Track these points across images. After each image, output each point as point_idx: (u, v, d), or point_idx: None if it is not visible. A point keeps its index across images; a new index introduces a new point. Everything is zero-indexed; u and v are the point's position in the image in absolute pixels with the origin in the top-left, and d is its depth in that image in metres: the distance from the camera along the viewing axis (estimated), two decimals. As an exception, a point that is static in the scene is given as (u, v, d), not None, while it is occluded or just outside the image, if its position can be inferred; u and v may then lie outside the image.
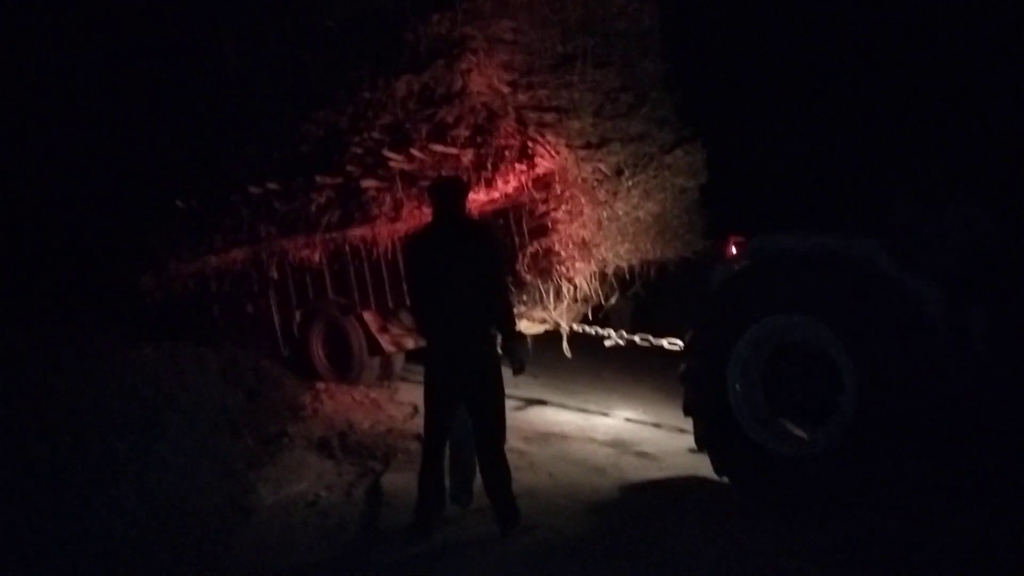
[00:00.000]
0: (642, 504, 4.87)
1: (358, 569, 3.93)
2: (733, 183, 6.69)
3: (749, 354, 4.91)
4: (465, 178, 5.98)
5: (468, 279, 4.17)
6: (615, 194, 6.52)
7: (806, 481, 4.53)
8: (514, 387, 7.42)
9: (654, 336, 6.77)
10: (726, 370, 4.89)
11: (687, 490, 5.13)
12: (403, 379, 7.86)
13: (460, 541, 4.22)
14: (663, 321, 7.01)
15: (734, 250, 5.21)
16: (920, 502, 4.35)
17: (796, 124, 5.73)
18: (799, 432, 4.89)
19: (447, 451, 4.46)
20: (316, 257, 7.45)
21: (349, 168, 7.08)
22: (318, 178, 7.20)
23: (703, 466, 5.16)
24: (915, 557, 4.02)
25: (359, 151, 7.06)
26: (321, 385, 7.45)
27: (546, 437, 6.16)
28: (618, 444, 6.05)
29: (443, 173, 6.31)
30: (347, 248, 7.28)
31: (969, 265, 4.67)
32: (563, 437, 6.19)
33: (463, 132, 6.56)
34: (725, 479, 4.95)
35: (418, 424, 6.02)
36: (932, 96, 4.93)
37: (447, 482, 4.46)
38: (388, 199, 6.89)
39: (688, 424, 5.26)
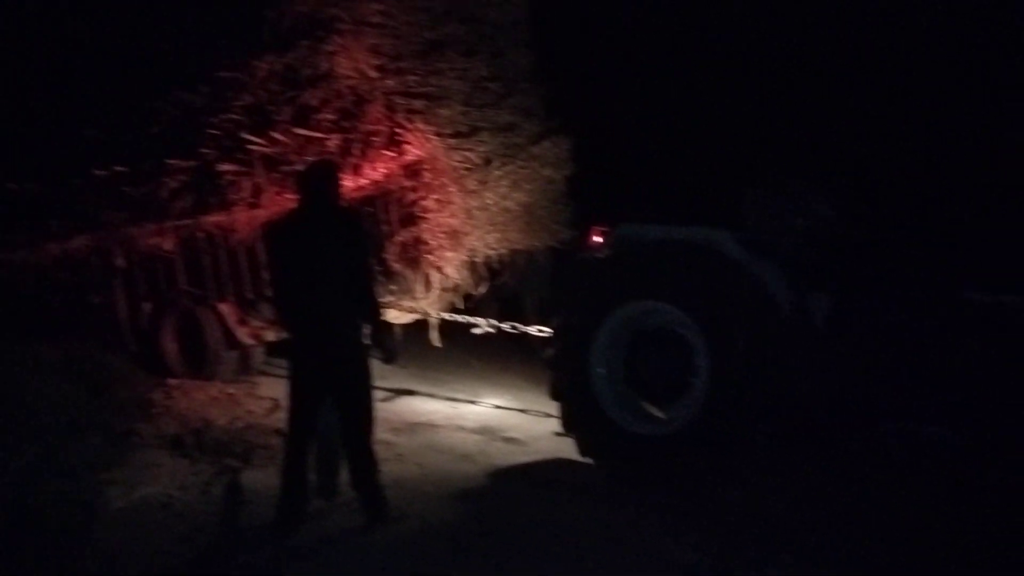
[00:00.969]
0: (510, 488, 4.94)
1: (218, 571, 3.75)
2: (597, 175, 6.88)
3: (611, 339, 5.11)
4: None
5: (334, 268, 4.05)
6: (484, 183, 6.54)
7: (665, 458, 4.76)
8: (382, 378, 7.32)
9: (522, 324, 6.87)
10: (590, 355, 5.08)
11: (554, 473, 5.24)
12: (263, 373, 7.56)
13: (326, 536, 4.11)
14: (532, 310, 7.15)
15: (597, 240, 5.39)
16: (769, 474, 4.65)
17: (654, 120, 5.99)
18: (658, 413, 5.12)
19: (312, 445, 4.33)
20: (168, 245, 7.03)
21: (205, 151, 6.72)
22: (171, 161, 6.80)
23: (569, 449, 5.31)
24: (770, 528, 4.30)
25: (216, 133, 6.71)
26: (173, 381, 7.05)
27: (414, 427, 6.12)
28: (486, 431, 6.10)
29: (308, 158, 6.10)
30: (202, 235, 6.92)
31: (811, 253, 5.04)
32: (431, 426, 6.18)
33: (329, 116, 6.37)
34: (590, 460, 5.12)
35: (279, 419, 5.82)
36: (776, 97, 5.29)
37: (312, 476, 4.34)
38: (247, 184, 6.60)
39: (554, 409, 5.41)
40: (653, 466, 4.81)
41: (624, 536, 4.18)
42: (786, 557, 3.94)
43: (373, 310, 4.23)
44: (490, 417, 6.56)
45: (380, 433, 5.26)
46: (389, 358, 4.36)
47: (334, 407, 4.24)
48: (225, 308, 7.12)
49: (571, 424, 5.23)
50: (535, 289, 7.51)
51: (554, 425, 5.64)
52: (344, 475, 4.35)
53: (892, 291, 4.61)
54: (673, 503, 4.55)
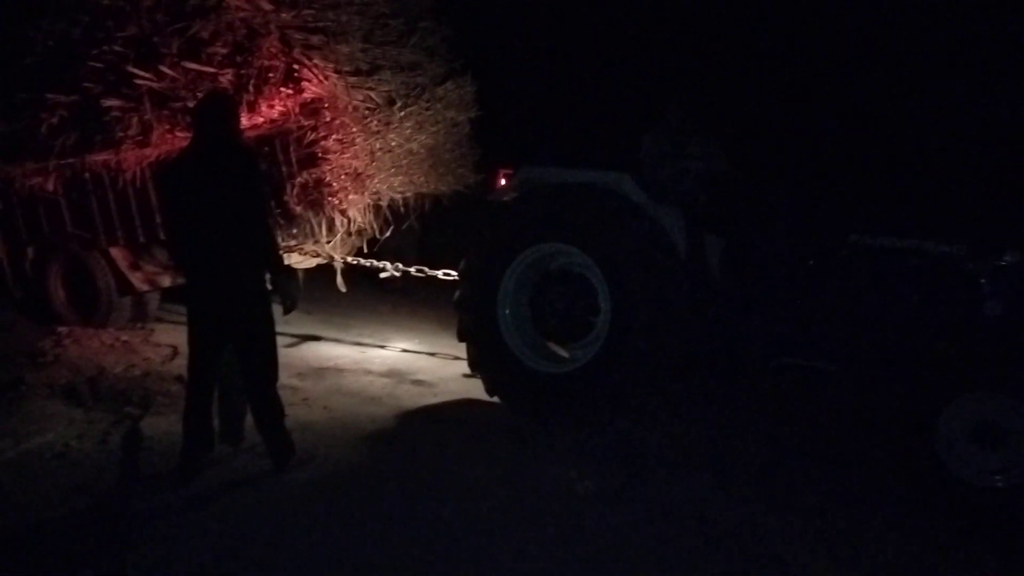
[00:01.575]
0: (418, 429, 5.00)
1: (119, 517, 3.68)
2: (502, 118, 6.86)
3: (517, 281, 5.19)
4: None
5: (230, 210, 3.91)
6: (388, 124, 6.41)
7: (568, 395, 4.92)
8: (287, 323, 7.21)
9: (430, 268, 6.87)
10: (496, 296, 5.15)
11: (461, 413, 5.34)
12: (159, 320, 7.31)
13: (232, 480, 4.08)
14: (439, 253, 7.14)
15: (502, 182, 5.41)
16: (664, 409, 4.90)
17: (559, 63, 6.00)
18: (562, 352, 5.27)
19: (215, 390, 4.26)
20: (50, 185, 6.62)
21: (86, 85, 6.32)
22: (49, 96, 6.36)
23: (476, 390, 5.41)
24: (665, 455, 4.55)
25: (98, 66, 6.31)
26: (63, 329, 6.72)
27: (321, 372, 6.08)
28: (394, 374, 6.13)
29: (199, 94, 5.83)
30: (87, 176, 6.54)
31: (706, 196, 5.23)
32: (338, 371, 6.15)
33: (220, 50, 6.08)
34: (496, 399, 5.24)
35: (178, 366, 5.69)
36: (673, 42, 5.40)
37: (215, 422, 4.27)
38: (135, 121, 6.24)
39: (462, 352, 5.48)
40: (557, 403, 4.97)
41: (529, 470, 4.33)
42: (675, 479, 4.20)
43: (271, 255, 4.13)
44: (398, 361, 6.58)
45: (286, 378, 5.22)
46: (290, 305, 4.28)
47: (235, 352, 4.16)
48: (116, 252, 6.80)
49: (478, 364, 5.31)
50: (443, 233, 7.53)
51: (462, 368, 5.72)
52: (249, 419, 4.30)
53: (780, 234, 4.83)
54: (575, 438, 4.74)
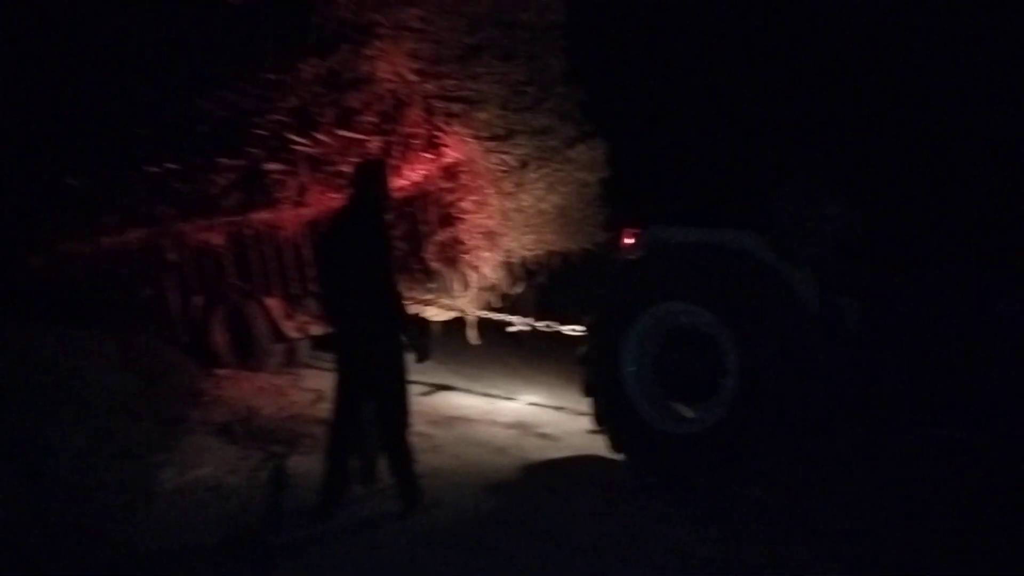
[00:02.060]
0: (542, 481, 5.09)
1: (260, 548, 3.97)
2: (631, 178, 6.99)
3: (642, 339, 5.22)
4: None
5: (371, 267, 4.22)
6: (520, 185, 6.71)
7: (692, 457, 4.86)
8: (421, 373, 7.53)
9: (557, 323, 7.02)
10: (621, 353, 5.20)
11: (585, 467, 5.39)
12: (307, 365, 7.83)
13: (363, 519, 4.32)
14: (566, 310, 7.28)
15: (629, 241, 5.51)
16: (794, 475, 4.74)
17: (687, 122, 6.08)
18: (687, 412, 5.23)
19: (353, 434, 4.53)
20: (217, 240, 7.32)
21: (252, 150, 6.99)
22: (220, 159, 7.08)
23: (601, 446, 5.44)
24: (793, 525, 4.40)
25: (263, 133, 6.97)
26: (222, 371, 7.34)
27: (451, 421, 6.30)
28: (520, 426, 6.26)
29: (350, 159, 6.33)
30: (250, 232, 7.19)
31: (842, 257, 5.10)
32: (467, 420, 6.35)
33: (370, 118, 6.59)
34: (620, 456, 5.25)
35: (323, 409, 6.05)
36: (806, 98, 5.36)
37: (352, 464, 4.54)
38: (292, 183, 6.85)
39: (587, 407, 5.54)
40: (681, 464, 4.92)
41: (649, 532, 4.30)
42: (804, 553, 4.04)
43: (395, 310, 4.33)
44: (524, 413, 6.72)
45: (418, 425, 5.46)
46: (422, 356, 4.51)
47: (372, 400, 4.43)
48: (272, 302, 7.39)
49: (602, 420, 5.36)
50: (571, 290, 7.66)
51: (587, 423, 5.77)
52: (383, 463, 4.54)
53: (922, 297, 4.64)
54: (699, 500, 4.67)
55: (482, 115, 6.54)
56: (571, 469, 5.35)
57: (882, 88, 5.10)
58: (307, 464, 5.02)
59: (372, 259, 4.24)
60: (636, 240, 5.44)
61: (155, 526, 4.23)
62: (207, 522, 4.29)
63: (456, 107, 6.49)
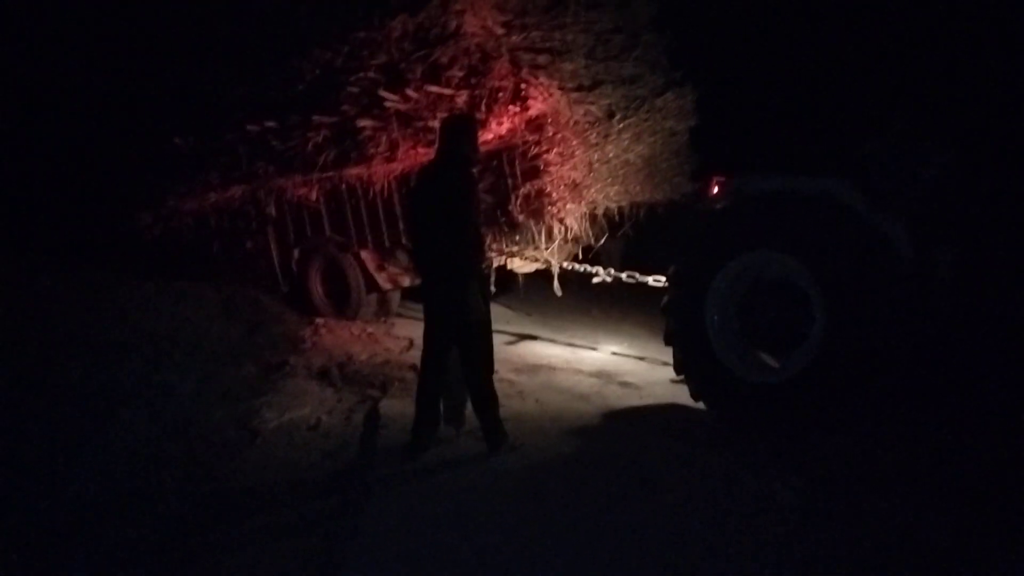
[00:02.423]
0: (623, 427, 5.18)
1: (357, 483, 4.23)
2: (719, 126, 6.84)
3: (727, 287, 5.19)
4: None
5: (448, 221, 4.35)
6: (606, 136, 6.66)
7: (775, 406, 4.84)
8: (507, 323, 7.73)
9: (641, 274, 7.01)
10: (704, 302, 5.18)
11: (666, 416, 5.44)
12: (399, 315, 8.12)
13: (452, 458, 4.53)
14: (651, 261, 7.25)
15: (716, 190, 5.44)
16: (881, 426, 4.66)
17: (777, 68, 5.89)
18: (770, 361, 5.19)
19: (442, 380, 4.73)
20: (313, 195, 7.61)
21: (345, 107, 7.19)
22: (315, 117, 7.32)
23: (682, 395, 5.48)
24: (875, 475, 4.35)
25: (354, 90, 7.16)
26: (320, 320, 7.70)
27: (535, 368, 6.45)
28: (603, 375, 6.35)
29: (438, 114, 6.45)
30: (344, 187, 7.44)
31: (936, 204, 4.90)
32: (551, 369, 6.48)
33: (457, 73, 6.66)
34: (702, 405, 5.27)
35: (413, 356, 6.32)
36: (902, 41, 5.10)
37: (441, 406, 4.75)
38: (384, 139, 7.02)
39: (670, 357, 5.56)
40: (764, 413, 4.91)
41: (731, 479, 4.34)
42: (886, 503, 4.00)
43: (471, 265, 4.44)
44: (607, 362, 6.79)
45: (503, 372, 5.64)
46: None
47: (458, 347, 4.61)
48: (366, 255, 7.66)
49: (684, 369, 5.38)
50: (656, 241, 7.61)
51: (669, 372, 5.79)
52: (470, 407, 4.73)
53: (1020, 246, 4.42)
54: (781, 449, 4.66)
55: (568, 65, 6.51)
56: (653, 417, 5.41)
57: (982, 29, 4.81)
58: (399, 407, 5.27)
59: (459, 212, 4.35)
60: (723, 188, 5.36)
61: (259, 461, 4.57)
62: (307, 458, 4.60)
63: (542, 58, 6.48)
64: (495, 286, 6.84)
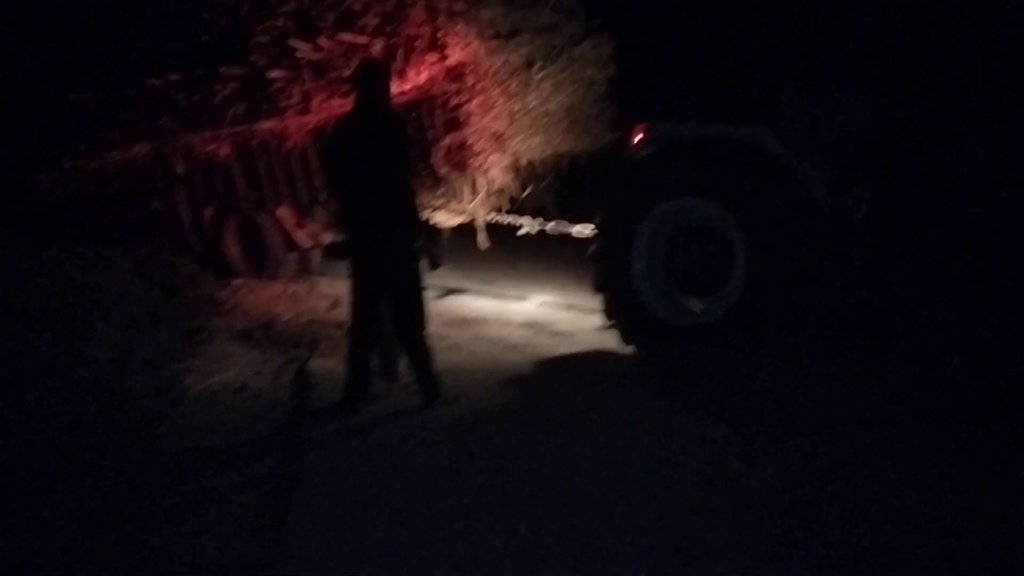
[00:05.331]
0: (555, 375, 5.26)
1: (290, 442, 4.17)
2: (638, 75, 6.88)
3: (652, 235, 5.29)
4: None
5: (381, 172, 4.23)
6: (527, 86, 6.62)
7: (701, 348, 5.00)
8: (434, 277, 7.66)
9: (566, 224, 7.07)
10: (631, 250, 5.27)
11: (597, 363, 5.55)
12: (321, 273, 7.96)
13: (386, 413, 4.51)
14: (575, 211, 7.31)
15: (638, 138, 5.49)
16: (799, 366, 4.89)
17: (695, 16, 5.95)
18: (696, 305, 5.34)
19: (373, 335, 4.67)
20: (224, 151, 7.32)
21: (253, 58, 6.91)
22: (222, 69, 7.00)
23: (612, 341, 5.59)
24: (798, 412, 4.56)
25: (263, 40, 6.87)
26: (239, 281, 7.47)
27: (465, 321, 6.45)
28: (533, 325, 6.41)
29: (352, 64, 6.25)
30: (256, 142, 7.18)
31: (851, 150, 5.09)
32: (481, 321, 6.50)
33: (372, 20, 6.48)
34: (631, 350, 5.40)
35: (339, 314, 6.23)
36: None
37: (374, 361, 4.70)
38: (296, 91, 6.80)
39: (599, 306, 5.65)
40: (690, 355, 5.06)
41: (661, 419, 4.47)
42: (809, 438, 4.21)
43: (411, 216, 4.39)
44: (536, 313, 6.86)
45: (434, 326, 5.58)
46: (435, 263, 4.57)
47: (390, 301, 4.55)
48: (283, 212, 7.44)
49: (613, 315, 5.48)
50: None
51: (597, 321, 5.90)
52: (403, 361, 4.70)
53: (930, 188, 4.65)
54: (708, 390, 4.83)
55: (486, 13, 6.40)
56: (583, 364, 5.51)
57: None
58: (328, 365, 5.19)
59: (387, 163, 4.24)
60: (645, 137, 5.42)
61: (187, 427, 4.43)
62: (238, 421, 4.49)
63: (458, 5, 6.35)
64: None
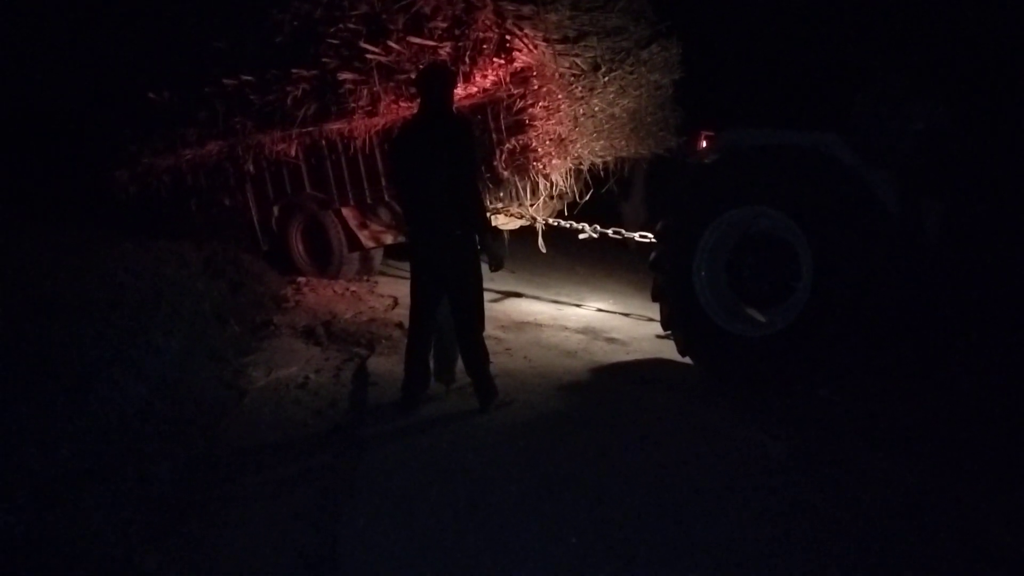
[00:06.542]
0: (611, 382, 5.21)
1: (350, 439, 4.23)
2: (704, 79, 6.78)
3: (715, 243, 5.20)
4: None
5: (445, 174, 4.25)
6: (591, 90, 6.58)
7: (762, 360, 4.89)
8: (492, 280, 7.69)
9: (625, 231, 7.01)
10: (693, 258, 5.19)
11: (653, 371, 5.48)
12: (382, 273, 8.07)
13: (443, 414, 4.54)
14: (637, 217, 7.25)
15: (704, 144, 5.41)
16: (864, 380, 4.74)
17: (766, 21, 5.83)
18: (757, 315, 5.23)
19: (431, 336, 4.71)
20: (293, 151, 7.47)
21: (325, 60, 7.04)
22: (294, 71, 7.15)
23: (669, 350, 5.52)
24: (860, 427, 4.43)
25: (335, 42, 7.00)
26: (302, 279, 7.63)
27: (522, 326, 6.45)
28: (589, 331, 6.37)
29: (421, 66, 6.32)
30: (324, 142, 7.32)
31: (926, 159, 4.91)
32: (537, 325, 6.49)
33: (440, 24, 6.53)
34: (688, 359, 5.32)
35: (399, 314, 6.31)
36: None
37: (431, 363, 4.74)
38: (365, 92, 6.90)
39: (656, 314, 5.59)
40: (751, 367, 4.96)
41: (719, 430, 4.39)
42: (870, 454, 4.09)
43: (479, 217, 4.38)
44: (593, 319, 6.82)
45: (491, 330, 5.62)
46: (496, 264, 4.57)
47: (449, 303, 4.58)
48: (348, 212, 7.57)
49: (671, 324, 5.40)
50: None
51: (655, 328, 5.84)
52: (460, 364, 4.73)
53: (1007, 201, 4.46)
54: (768, 402, 4.73)
55: (553, 16, 6.40)
56: (640, 372, 5.45)
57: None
58: (387, 364, 5.26)
59: (452, 166, 4.25)
60: (711, 143, 5.34)
61: (250, 420, 4.55)
62: (298, 416, 4.59)
63: (526, 9, 6.35)
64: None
